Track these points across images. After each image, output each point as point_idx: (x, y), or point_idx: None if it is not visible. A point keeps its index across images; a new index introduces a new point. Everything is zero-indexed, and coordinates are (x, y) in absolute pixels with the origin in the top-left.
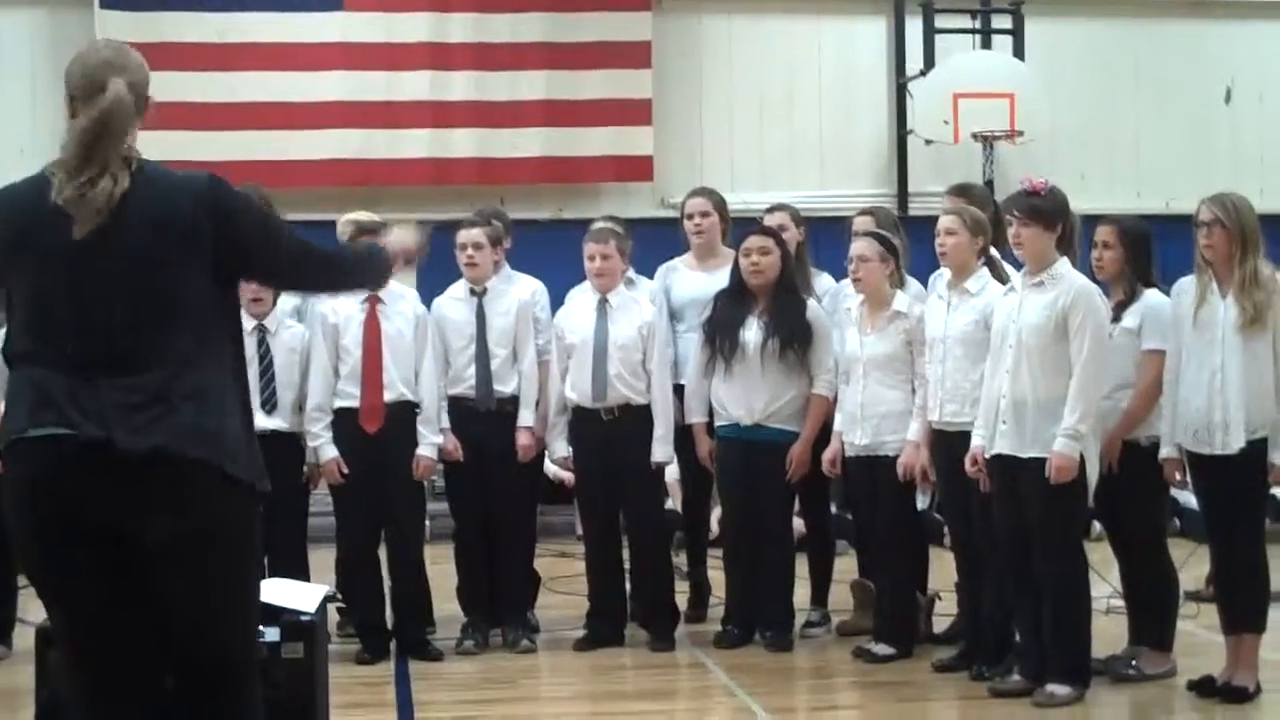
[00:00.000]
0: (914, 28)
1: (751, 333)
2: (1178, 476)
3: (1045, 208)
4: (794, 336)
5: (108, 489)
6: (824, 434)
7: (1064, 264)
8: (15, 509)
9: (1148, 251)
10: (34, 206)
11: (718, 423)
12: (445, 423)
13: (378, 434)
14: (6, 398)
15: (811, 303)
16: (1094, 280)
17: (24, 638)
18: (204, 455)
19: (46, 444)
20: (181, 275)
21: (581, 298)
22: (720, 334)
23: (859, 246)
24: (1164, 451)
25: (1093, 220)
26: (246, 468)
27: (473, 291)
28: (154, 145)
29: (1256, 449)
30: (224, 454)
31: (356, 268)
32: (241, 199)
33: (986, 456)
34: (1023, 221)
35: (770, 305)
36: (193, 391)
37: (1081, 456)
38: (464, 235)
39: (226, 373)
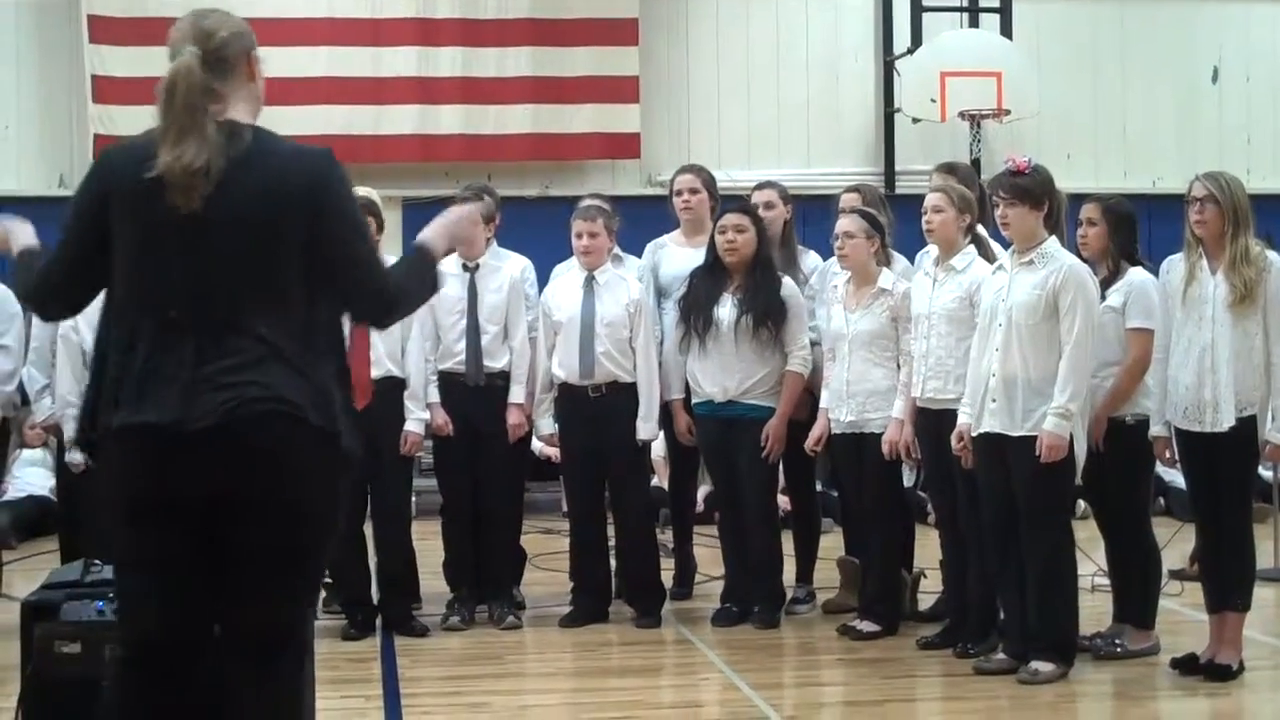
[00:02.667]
0: (901, 5)
1: (725, 310)
2: (1167, 455)
3: (1030, 187)
4: (768, 314)
5: (212, 455)
6: (807, 412)
7: (1053, 243)
8: (113, 481)
9: (1132, 229)
10: (147, 166)
11: (694, 400)
12: (434, 397)
13: (364, 410)
14: (96, 374)
15: (787, 280)
16: (1079, 258)
17: (8, 612)
18: (308, 414)
19: (135, 433)
20: (284, 246)
21: (569, 275)
22: (695, 311)
23: (844, 223)
24: (1153, 430)
25: (1079, 199)
26: (338, 430)
27: (465, 267)
28: (138, 120)
29: (1246, 427)
30: (325, 415)
31: (411, 296)
32: (346, 183)
33: (973, 434)
34: (1008, 201)
35: (745, 283)
36: (296, 358)
37: (1070, 435)
38: None
39: (326, 341)
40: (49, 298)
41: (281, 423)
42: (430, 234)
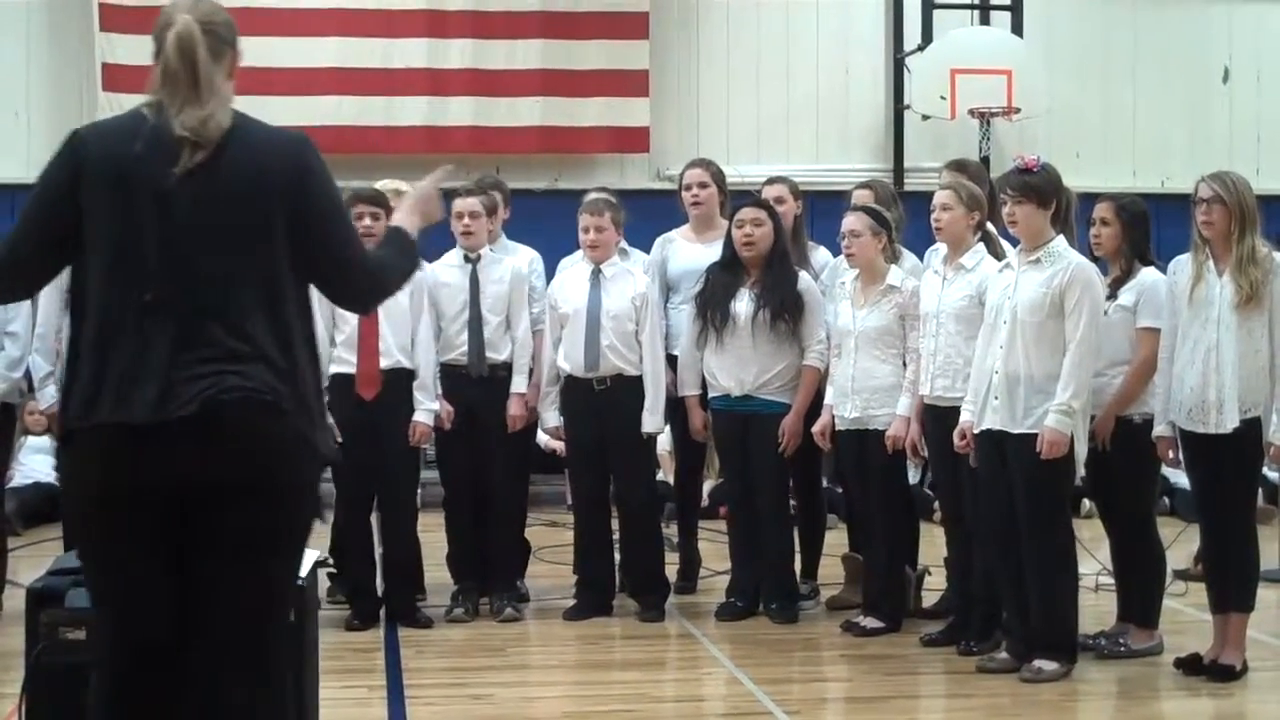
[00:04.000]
0: (912, 2)
1: (743, 304)
2: (1171, 455)
3: (1039, 185)
4: (785, 308)
5: (188, 448)
6: (815, 406)
7: (1061, 241)
8: (76, 477)
9: (1145, 229)
10: (131, 142)
11: (710, 394)
12: (437, 389)
13: (374, 400)
14: (70, 366)
15: (804, 274)
16: (1091, 258)
17: (14, 598)
18: (286, 405)
19: (110, 427)
20: (264, 228)
21: (575, 268)
22: (711, 306)
23: (850, 221)
24: (1157, 430)
25: (1090, 198)
26: (318, 426)
27: (466, 258)
28: None
29: (1250, 428)
30: (302, 409)
31: (393, 278)
32: (324, 167)
33: (976, 432)
34: (1016, 199)
35: (762, 277)
36: (274, 346)
37: (1071, 433)
38: (460, 204)
39: (303, 330)
40: (14, 279)
41: (260, 409)
42: (402, 216)
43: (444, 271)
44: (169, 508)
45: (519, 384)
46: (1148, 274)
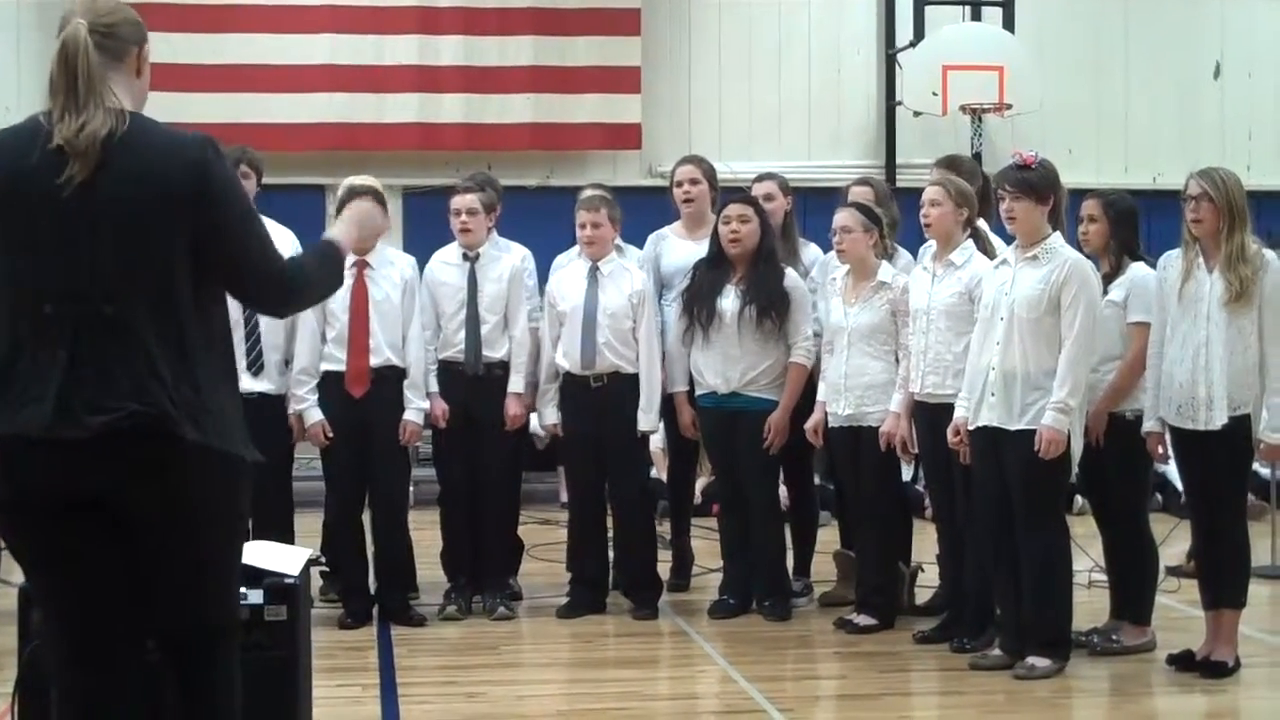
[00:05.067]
0: None
1: (729, 301)
2: (1160, 451)
3: (1037, 181)
4: (771, 305)
5: (86, 463)
6: (807, 403)
7: (1057, 238)
8: None
9: (1133, 225)
10: (26, 153)
11: (697, 391)
12: (433, 387)
13: (363, 398)
14: None
15: (790, 271)
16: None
17: (6, 598)
18: (184, 430)
19: (10, 439)
20: (165, 237)
21: (573, 265)
22: (698, 302)
23: (841, 217)
24: (1147, 426)
25: (1080, 195)
26: (229, 440)
27: (465, 256)
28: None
29: (1240, 425)
30: (204, 428)
31: (313, 285)
32: (228, 170)
33: (970, 428)
34: (1014, 195)
35: (748, 274)
36: (175, 361)
37: (1068, 430)
38: (458, 201)
39: (211, 340)
40: None
41: (156, 441)
42: (337, 230)
43: (442, 269)
44: (90, 516)
45: (516, 383)
46: (1137, 269)
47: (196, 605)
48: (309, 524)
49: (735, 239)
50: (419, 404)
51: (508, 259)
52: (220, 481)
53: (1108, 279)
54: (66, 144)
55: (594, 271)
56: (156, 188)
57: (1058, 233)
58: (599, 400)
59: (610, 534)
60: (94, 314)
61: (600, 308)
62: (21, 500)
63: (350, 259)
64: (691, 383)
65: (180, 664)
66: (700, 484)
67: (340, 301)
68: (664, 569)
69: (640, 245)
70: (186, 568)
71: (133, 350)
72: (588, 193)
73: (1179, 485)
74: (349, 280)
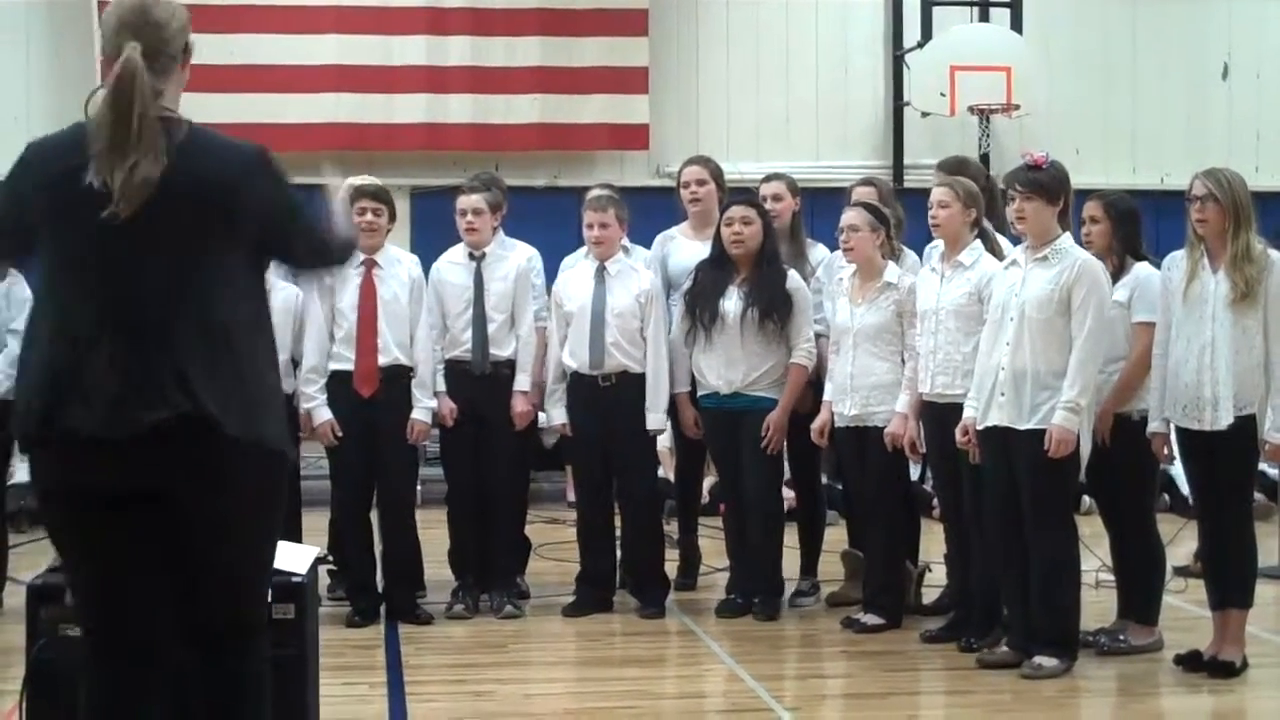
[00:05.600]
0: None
1: (731, 302)
2: (1165, 451)
3: (1047, 182)
4: (773, 306)
5: (134, 461)
6: (813, 404)
7: (1067, 238)
8: (43, 479)
9: (1135, 225)
10: (72, 170)
11: (699, 392)
12: (441, 386)
13: (372, 397)
14: (23, 381)
15: (792, 273)
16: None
17: (15, 595)
18: (232, 429)
19: (67, 437)
20: (218, 246)
21: (580, 265)
22: (700, 303)
23: (848, 217)
24: (1152, 426)
25: (1085, 195)
26: (273, 437)
27: (471, 256)
28: None
29: (1245, 425)
30: (250, 426)
31: (348, 237)
32: (280, 177)
33: (979, 428)
34: (1025, 196)
35: (751, 275)
36: (222, 363)
37: (1078, 431)
38: (464, 201)
39: (259, 341)
40: None
41: (204, 440)
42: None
43: (448, 269)
44: (139, 512)
45: (523, 382)
46: (1141, 269)
47: (234, 600)
48: (316, 523)
49: (738, 240)
50: (427, 403)
51: (514, 258)
52: (265, 478)
53: (1112, 279)
54: (117, 189)
55: (601, 271)
56: (208, 201)
57: (1068, 234)
58: (607, 400)
59: (618, 533)
60: (141, 320)
61: (608, 307)
62: (68, 492)
63: (359, 258)
64: (694, 383)
65: (212, 659)
66: (707, 483)
67: (349, 301)
68: (671, 568)
69: (648, 246)
70: (228, 562)
71: (180, 354)
72: (595, 193)
73: (1183, 486)
74: (357, 280)
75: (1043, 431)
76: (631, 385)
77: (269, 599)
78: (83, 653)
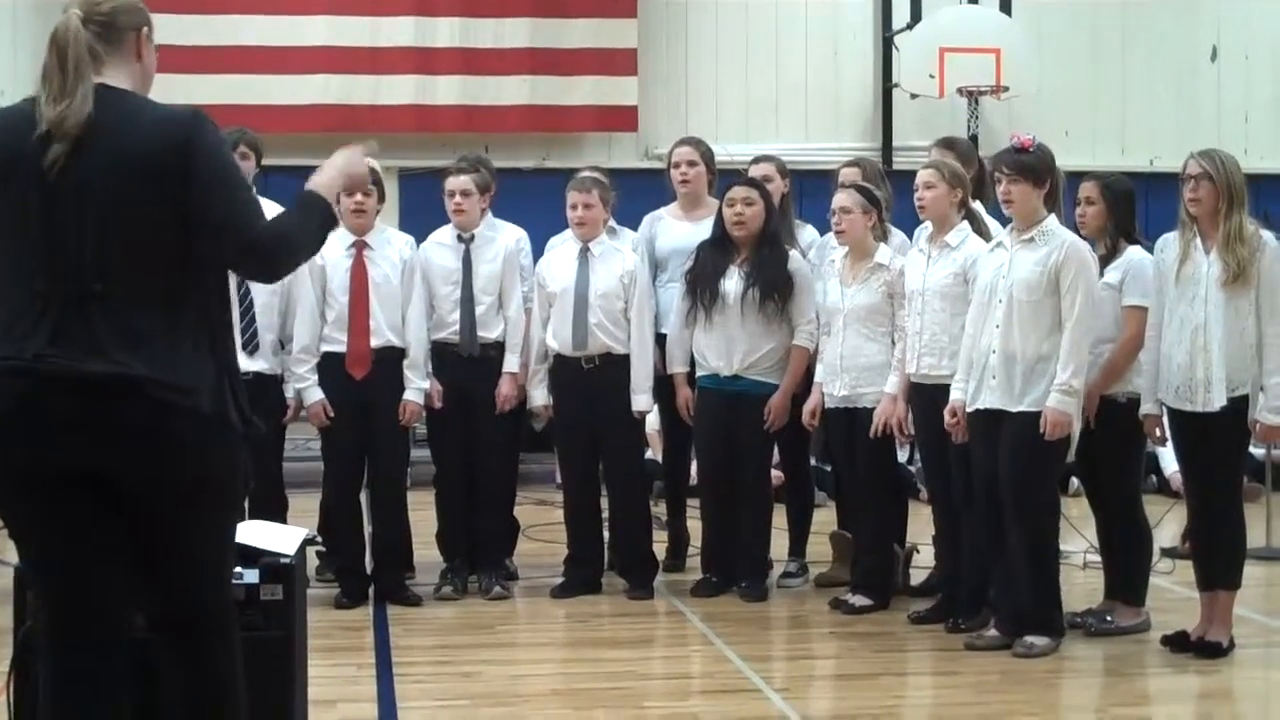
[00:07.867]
0: None
1: (732, 283)
2: (1157, 433)
3: (1034, 164)
4: (774, 287)
5: (78, 424)
6: (805, 385)
7: (1054, 220)
8: None
9: (1130, 207)
10: (22, 135)
11: (699, 373)
12: (429, 368)
13: (364, 379)
14: None
15: (794, 254)
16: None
17: (3, 577)
18: (173, 396)
19: (11, 376)
20: (151, 213)
21: (564, 247)
22: (701, 284)
23: (841, 198)
24: (1144, 408)
25: (1077, 177)
26: (221, 405)
27: (460, 238)
28: None
29: (1238, 406)
30: (193, 391)
31: (298, 243)
32: (214, 140)
33: (968, 410)
34: (1011, 178)
35: (752, 256)
36: (165, 332)
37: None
38: (452, 182)
39: (202, 312)
40: None
41: (145, 406)
42: (320, 178)
43: (436, 250)
44: (85, 489)
45: (511, 364)
46: (1133, 252)
47: (195, 585)
48: (305, 504)
49: (740, 221)
50: (419, 384)
51: (502, 239)
52: (211, 446)
53: (1104, 261)
54: (52, 127)
55: (585, 253)
56: (141, 164)
57: (1053, 215)
58: (591, 382)
59: (605, 514)
60: (84, 290)
61: (591, 288)
62: (13, 471)
63: (349, 239)
64: (693, 364)
65: (181, 659)
66: (695, 465)
67: (340, 282)
68: (659, 549)
69: (636, 227)
70: (181, 543)
71: (122, 323)
72: (579, 174)
73: (1169, 468)
74: (348, 261)
75: (1032, 414)
76: (615, 367)
77: (231, 582)
78: (41, 636)
